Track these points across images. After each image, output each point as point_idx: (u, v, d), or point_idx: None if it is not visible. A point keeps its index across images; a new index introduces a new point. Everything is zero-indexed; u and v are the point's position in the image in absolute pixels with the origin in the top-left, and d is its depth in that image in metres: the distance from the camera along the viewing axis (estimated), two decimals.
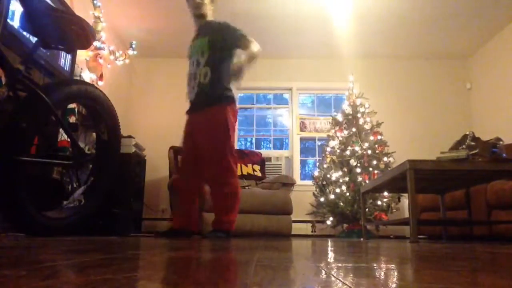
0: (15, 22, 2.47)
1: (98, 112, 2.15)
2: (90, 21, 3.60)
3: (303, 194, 5.02)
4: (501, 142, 2.73)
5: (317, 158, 5.55)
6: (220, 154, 2.61)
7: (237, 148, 5.13)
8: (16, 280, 0.51)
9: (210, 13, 2.86)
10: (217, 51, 2.70)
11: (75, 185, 2.10)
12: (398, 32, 5.01)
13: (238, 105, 6.32)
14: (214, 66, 2.69)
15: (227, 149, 2.64)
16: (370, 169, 4.52)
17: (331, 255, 1.19)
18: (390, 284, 0.56)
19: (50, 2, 2.88)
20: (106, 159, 2.24)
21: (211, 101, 2.66)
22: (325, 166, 4.78)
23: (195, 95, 2.71)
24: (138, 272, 0.66)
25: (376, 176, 4.34)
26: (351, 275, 0.66)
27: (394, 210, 4.53)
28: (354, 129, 4.78)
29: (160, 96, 5.68)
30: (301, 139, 5.71)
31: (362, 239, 3.78)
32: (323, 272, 0.71)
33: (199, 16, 2.82)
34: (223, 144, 2.63)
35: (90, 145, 2.84)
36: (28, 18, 1.81)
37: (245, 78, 2.87)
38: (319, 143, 5.61)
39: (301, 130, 5.64)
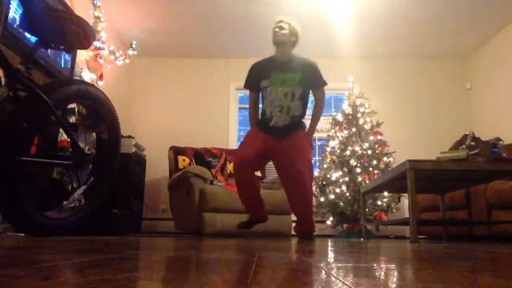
0: (15, 22, 2.47)
1: (98, 112, 2.15)
2: (90, 21, 3.60)
3: None
4: (501, 142, 2.73)
5: (317, 158, 5.55)
6: (310, 167, 2.92)
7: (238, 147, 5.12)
8: (16, 280, 0.51)
9: (290, 46, 3.04)
10: (307, 87, 3.03)
11: (75, 185, 2.09)
12: (398, 32, 5.01)
13: (238, 105, 6.28)
14: (305, 100, 3.03)
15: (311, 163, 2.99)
16: (370, 169, 4.52)
17: (331, 255, 1.19)
18: (390, 284, 0.56)
19: (50, 2, 2.88)
20: (106, 159, 2.24)
21: (297, 127, 2.99)
22: (325, 166, 4.78)
23: (284, 125, 2.95)
24: (138, 272, 0.66)
25: (376, 176, 4.34)
26: (351, 275, 0.66)
27: (394, 210, 4.53)
28: (354, 129, 4.78)
29: (160, 96, 5.68)
30: None
31: (362, 239, 3.78)
32: (323, 272, 0.71)
33: (278, 43, 3.00)
34: (310, 158, 2.99)
35: (90, 145, 2.84)
36: (28, 18, 1.81)
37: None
38: (319, 143, 5.61)
39: None
